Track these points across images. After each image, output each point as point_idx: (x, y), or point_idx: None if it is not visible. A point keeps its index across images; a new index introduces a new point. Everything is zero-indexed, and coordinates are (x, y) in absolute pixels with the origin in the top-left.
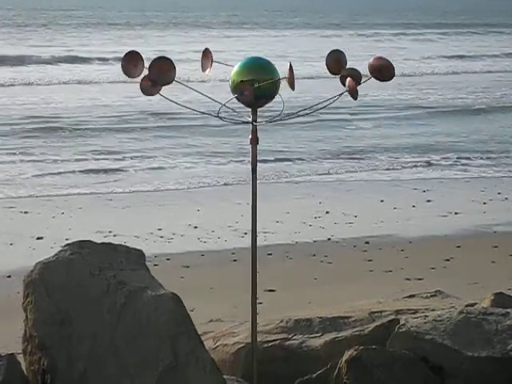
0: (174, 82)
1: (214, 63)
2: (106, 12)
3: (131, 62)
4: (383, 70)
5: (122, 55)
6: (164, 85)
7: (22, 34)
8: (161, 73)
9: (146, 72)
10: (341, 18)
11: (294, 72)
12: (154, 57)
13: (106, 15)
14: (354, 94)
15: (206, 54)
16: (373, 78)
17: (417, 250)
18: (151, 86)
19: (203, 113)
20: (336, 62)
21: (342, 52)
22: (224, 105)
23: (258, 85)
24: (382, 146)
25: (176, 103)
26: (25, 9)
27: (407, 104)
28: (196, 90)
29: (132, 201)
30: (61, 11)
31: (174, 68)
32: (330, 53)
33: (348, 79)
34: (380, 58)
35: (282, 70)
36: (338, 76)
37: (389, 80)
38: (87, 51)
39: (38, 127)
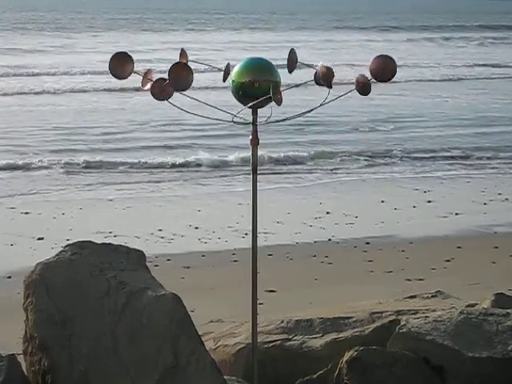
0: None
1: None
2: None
3: (119, 62)
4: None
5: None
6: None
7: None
8: (178, 78)
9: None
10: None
11: None
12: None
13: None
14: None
15: (182, 54)
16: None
17: (417, 251)
18: (161, 91)
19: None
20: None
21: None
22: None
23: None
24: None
25: (177, 107)
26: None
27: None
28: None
29: (132, 201)
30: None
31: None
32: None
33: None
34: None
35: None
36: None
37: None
38: None
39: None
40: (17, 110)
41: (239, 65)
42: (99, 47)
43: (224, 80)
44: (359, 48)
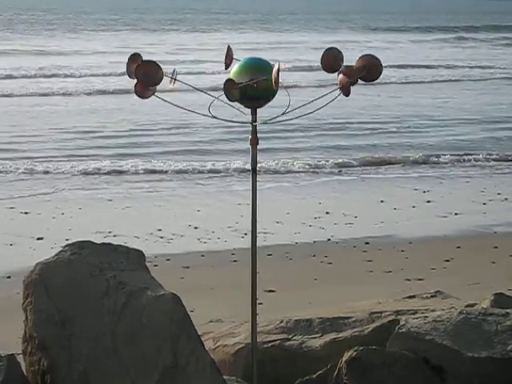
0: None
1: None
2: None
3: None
4: (371, 70)
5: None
6: (152, 86)
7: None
8: (147, 75)
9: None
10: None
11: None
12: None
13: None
14: (346, 91)
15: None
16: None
17: (417, 251)
18: (144, 89)
19: (201, 114)
20: (333, 59)
21: (338, 49)
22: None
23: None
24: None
25: (172, 104)
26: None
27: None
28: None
29: (132, 201)
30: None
31: (161, 69)
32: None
33: (340, 76)
34: (368, 57)
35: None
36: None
37: (375, 79)
38: None
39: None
40: (14, 111)
41: (238, 65)
42: (98, 47)
43: (226, 68)
44: (359, 48)
